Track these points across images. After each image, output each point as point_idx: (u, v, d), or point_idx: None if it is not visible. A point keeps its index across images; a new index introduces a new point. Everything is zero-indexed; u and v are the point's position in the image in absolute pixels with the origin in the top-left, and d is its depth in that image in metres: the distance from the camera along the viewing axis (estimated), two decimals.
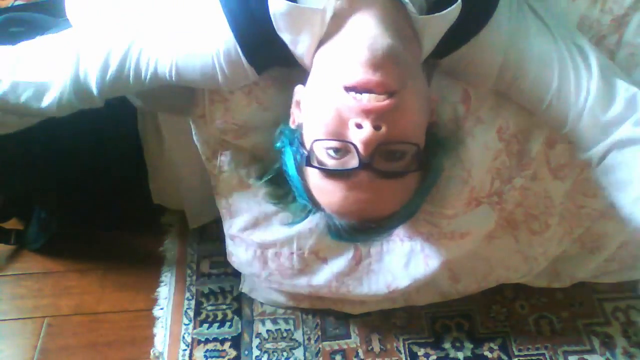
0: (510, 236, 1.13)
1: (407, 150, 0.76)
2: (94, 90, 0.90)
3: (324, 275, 1.11)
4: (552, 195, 1.06)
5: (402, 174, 0.77)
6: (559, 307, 1.24)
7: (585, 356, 1.17)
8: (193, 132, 1.05)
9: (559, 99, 0.87)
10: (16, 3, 1.47)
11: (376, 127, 0.71)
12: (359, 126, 0.72)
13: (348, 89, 0.72)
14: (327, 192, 0.79)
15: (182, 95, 0.99)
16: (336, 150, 0.75)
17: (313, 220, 1.03)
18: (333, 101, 0.74)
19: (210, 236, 1.37)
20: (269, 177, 0.95)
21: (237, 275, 1.28)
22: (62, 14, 1.24)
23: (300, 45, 0.81)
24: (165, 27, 0.88)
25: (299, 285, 1.15)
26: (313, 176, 0.80)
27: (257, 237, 1.10)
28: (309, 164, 0.77)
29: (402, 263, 1.10)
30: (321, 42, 0.80)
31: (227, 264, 1.24)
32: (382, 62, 0.71)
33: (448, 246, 1.07)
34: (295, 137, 0.83)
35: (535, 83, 0.88)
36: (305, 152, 0.79)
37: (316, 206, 0.85)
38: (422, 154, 0.78)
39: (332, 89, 0.74)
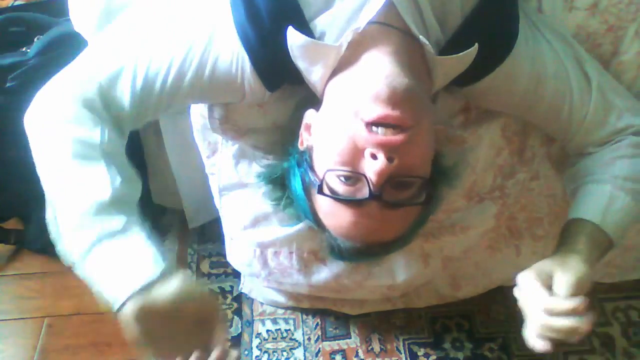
0: (512, 248, 1.14)
1: (415, 181, 0.78)
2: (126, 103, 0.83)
3: (323, 276, 1.11)
4: (557, 191, 1.07)
5: (409, 204, 0.79)
6: None
7: (585, 356, 1.17)
8: (193, 132, 1.06)
9: (570, 117, 0.91)
10: (16, 3, 1.47)
11: (389, 159, 0.73)
12: (373, 157, 0.73)
13: (366, 123, 0.74)
14: (336, 217, 0.81)
15: None
16: (347, 177, 0.77)
17: None
18: (348, 131, 0.75)
19: (210, 236, 1.37)
20: (267, 176, 0.95)
21: (237, 275, 1.28)
22: (62, 14, 1.25)
23: (314, 74, 0.83)
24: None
25: (299, 285, 1.15)
26: (322, 201, 0.81)
27: (256, 236, 1.10)
28: (320, 191, 0.79)
29: (402, 264, 1.10)
30: (334, 72, 0.81)
31: (227, 264, 1.24)
32: (401, 100, 0.73)
33: (449, 242, 1.08)
34: (304, 160, 0.84)
35: (550, 105, 0.91)
36: (317, 180, 0.80)
37: (321, 227, 0.87)
38: (429, 186, 0.80)
39: (347, 120, 0.75)
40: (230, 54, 0.84)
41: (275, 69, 0.85)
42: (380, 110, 0.72)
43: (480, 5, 0.83)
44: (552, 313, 0.74)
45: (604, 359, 1.16)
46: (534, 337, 0.77)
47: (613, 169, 0.89)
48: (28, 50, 1.21)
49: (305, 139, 0.85)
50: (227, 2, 0.84)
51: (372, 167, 0.73)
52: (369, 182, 0.74)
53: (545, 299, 0.75)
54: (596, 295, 1.25)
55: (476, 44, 0.80)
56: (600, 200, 0.86)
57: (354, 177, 0.76)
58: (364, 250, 0.85)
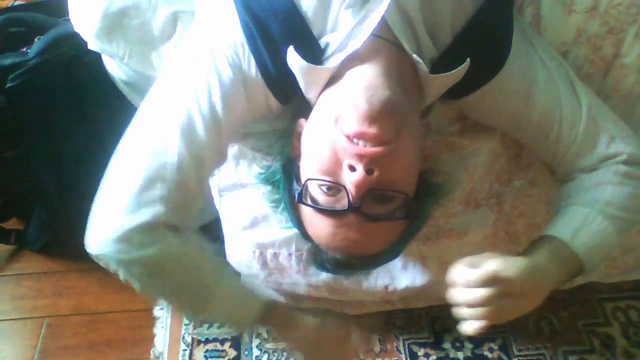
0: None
1: (397, 195, 0.78)
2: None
3: (322, 277, 1.11)
4: (553, 199, 1.06)
5: (389, 219, 0.78)
6: (559, 307, 1.24)
7: (585, 356, 1.17)
8: None
9: (559, 138, 0.90)
10: (16, 3, 1.47)
11: (368, 171, 0.73)
12: (352, 168, 0.73)
13: (345, 135, 0.74)
14: (316, 226, 0.81)
15: None
16: (328, 187, 0.77)
17: None
18: (330, 140, 0.75)
19: (210, 236, 1.37)
20: (266, 178, 0.95)
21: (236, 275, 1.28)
22: (62, 14, 1.25)
23: (310, 93, 0.84)
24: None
25: (298, 285, 1.15)
26: (305, 209, 0.81)
27: (255, 237, 1.10)
28: (301, 200, 0.79)
29: (400, 266, 1.10)
30: (327, 85, 0.82)
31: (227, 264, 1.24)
32: (378, 116, 0.72)
33: (447, 246, 1.07)
34: (292, 169, 0.84)
35: (539, 123, 0.90)
36: (299, 188, 0.80)
37: (305, 237, 0.87)
38: (410, 202, 0.79)
39: (328, 128, 0.75)
40: (255, 72, 0.84)
41: (286, 86, 0.85)
42: (357, 127, 0.72)
43: (471, 23, 0.83)
44: (469, 283, 0.73)
45: (604, 359, 1.16)
46: (463, 322, 0.75)
47: (595, 193, 0.87)
48: (28, 51, 1.21)
49: (294, 148, 0.86)
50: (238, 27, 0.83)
51: (350, 178, 0.73)
52: (348, 193, 0.74)
53: (464, 271, 0.74)
54: (596, 295, 1.25)
55: (468, 60, 0.79)
56: (574, 220, 0.85)
57: (334, 187, 0.76)
58: (345, 263, 0.85)
